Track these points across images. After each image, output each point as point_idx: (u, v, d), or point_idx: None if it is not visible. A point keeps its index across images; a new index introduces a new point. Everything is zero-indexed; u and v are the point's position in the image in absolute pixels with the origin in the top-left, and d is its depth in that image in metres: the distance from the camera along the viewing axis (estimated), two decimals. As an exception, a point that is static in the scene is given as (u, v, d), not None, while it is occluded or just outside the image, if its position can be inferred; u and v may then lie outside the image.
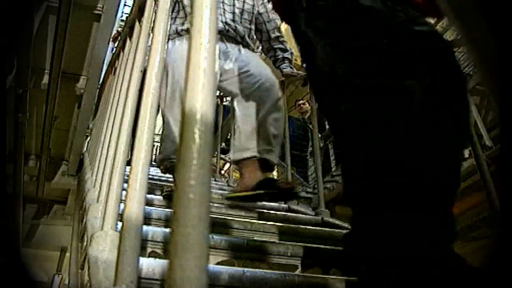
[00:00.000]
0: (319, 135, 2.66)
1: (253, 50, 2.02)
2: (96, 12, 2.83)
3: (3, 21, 2.11)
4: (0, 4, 2.08)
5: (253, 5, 2.00)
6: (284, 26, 2.07)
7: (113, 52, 2.75)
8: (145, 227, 1.06)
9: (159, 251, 1.08)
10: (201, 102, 0.38)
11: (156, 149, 2.92)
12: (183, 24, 1.89)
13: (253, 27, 2.01)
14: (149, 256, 0.96)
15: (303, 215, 1.85)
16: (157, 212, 1.42)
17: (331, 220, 1.80)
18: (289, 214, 1.85)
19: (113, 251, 0.68)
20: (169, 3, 0.77)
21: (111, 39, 3.35)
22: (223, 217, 1.55)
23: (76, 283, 2.53)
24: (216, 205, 1.79)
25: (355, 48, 0.79)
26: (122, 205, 0.65)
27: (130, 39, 1.13)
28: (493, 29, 0.30)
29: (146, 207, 0.99)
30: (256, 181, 1.71)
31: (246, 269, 0.87)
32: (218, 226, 1.38)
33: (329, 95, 0.85)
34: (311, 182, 4.14)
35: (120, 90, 1.04)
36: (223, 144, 3.93)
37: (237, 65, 1.86)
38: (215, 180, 2.87)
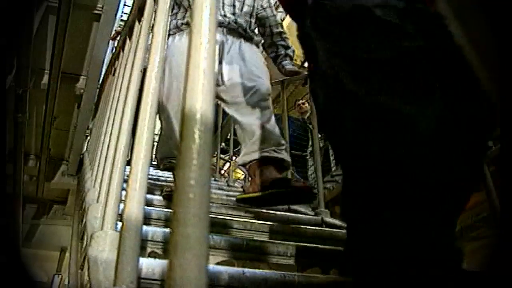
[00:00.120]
0: (319, 135, 2.66)
1: (256, 44, 1.97)
2: (96, 12, 2.84)
3: (3, 21, 2.11)
4: (0, 4, 2.08)
5: None
6: (286, 23, 2.05)
7: (113, 52, 2.76)
8: (145, 227, 1.06)
9: (159, 251, 1.08)
10: (201, 102, 0.38)
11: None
12: (184, 18, 1.86)
13: (253, 20, 1.97)
14: (149, 256, 0.96)
15: (303, 215, 1.85)
16: (157, 212, 1.42)
17: (331, 220, 1.80)
18: (289, 214, 1.85)
19: (113, 251, 0.68)
20: (169, 3, 0.77)
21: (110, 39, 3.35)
22: (223, 217, 1.55)
23: (76, 283, 2.53)
24: (216, 205, 1.78)
25: (360, 60, 0.77)
26: (122, 205, 0.65)
27: (130, 39, 1.13)
28: (493, 29, 0.30)
29: (146, 207, 0.99)
30: (271, 180, 1.62)
31: (245, 269, 0.87)
32: (218, 226, 1.38)
33: (329, 97, 0.84)
34: (311, 182, 4.14)
35: (120, 90, 1.04)
36: (223, 144, 3.93)
37: (234, 66, 1.81)
38: (215, 180, 2.87)
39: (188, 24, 1.80)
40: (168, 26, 1.09)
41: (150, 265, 0.78)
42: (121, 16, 5.03)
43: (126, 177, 0.68)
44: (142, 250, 0.82)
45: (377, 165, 0.74)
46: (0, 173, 3.18)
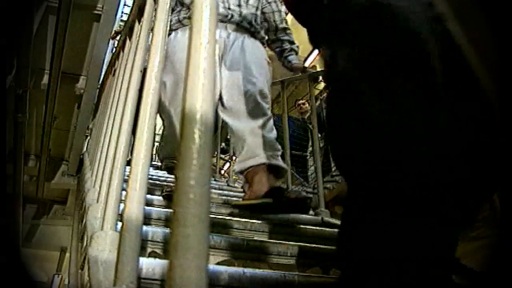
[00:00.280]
0: (319, 135, 2.66)
1: (261, 40, 1.91)
2: (96, 12, 2.84)
3: (3, 21, 2.11)
4: (0, 4, 2.08)
5: None
6: (290, 18, 2.00)
7: (113, 52, 2.76)
8: (145, 227, 1.06)
9: (159, 251, 1.08)
10: (201, 102, 0.38)
11: (156, 149, 2.92)
12: (187, 13, 1.82)
13: (259, 13, 1.91)
14: (149, 256, 0.96)
15: (303, 215, 1.85)
16: (157, 212, 1.42)
17: (331, 220, 1.80)
18: (289, 214, 1.84)
19: (113, 251, 0.68)
20: (169, 3, 0.77)
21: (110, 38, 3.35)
22: (223, 217, 1.55)
23: (76, 283, 2.53)
24: (216, 205, 1.78)
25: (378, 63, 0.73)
26: (122, 205, 0.65)
27: (130, 39, 1.13)
28: (493, 29, 0.30)
29: (146, 207, 0.99)
30: (266, 189, 1.61)
31: (246, 269, 0.87)
32: (218, 226, 1.38)
33: (346, 100, 0.80)
34: (311, 182, 4.14)
35: (120, 90, 1.04)
36: (223, 144, 3.93)
37: (234, 66, 1.76)
38: (215, 180, 2.87)
39: (190, 18, 1.75)
40: (169, 25, 1.08)
41: (150, 265, 0.79)
42: (121, 16, 5.04)
43: (126, 177, 0.69)
44: (142, 250, 0.82)
45: (377, 165, 0.74)
46: (0, 173, 3.19)
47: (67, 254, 5.17)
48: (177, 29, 1.83)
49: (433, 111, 0.71)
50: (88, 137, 3.41)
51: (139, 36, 0.93)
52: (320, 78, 2.31)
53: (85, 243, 1.03)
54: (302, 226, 1.60)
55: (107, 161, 0.95)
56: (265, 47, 1.97)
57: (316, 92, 3.91)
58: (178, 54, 1.74)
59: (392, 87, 0.72)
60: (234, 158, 3.44)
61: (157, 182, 2.21)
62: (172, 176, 1.92)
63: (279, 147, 1.75)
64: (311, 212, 1.93)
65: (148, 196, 1.55)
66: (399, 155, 0.73)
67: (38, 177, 4.33)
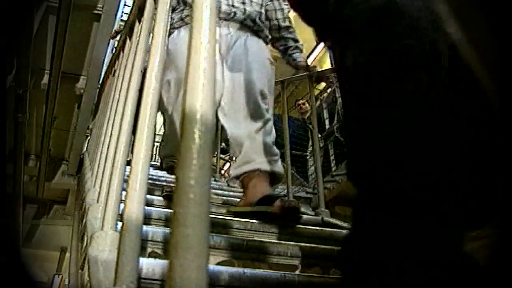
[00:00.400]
0: (319, 135, 2.66)
1: (264, 39, 1.88)
2: (96, 12, 2.84)
3: (3, 21, 2.11)
4: (0, 4, 2.08)
5: None
6: (292, 15, 1.97)
7: (113, 52, 2.76)
8: (145, 227, 1.06)
9: (159, 251, 1.08)
10: (201, 102, 0.38)
11: (156, 149, 2.93)
12: (189, 11, 1.80)
13: (263, 10, 1.87)
14: (149, 256, 0.96)
15: (303, 215, 1.85)
16: (157, 212, 1.42)
17: (331, 220, 1.80)
18: (289, 214, 1.84)
19: (113, 251, 0.68)
20: (169, 3, 0.77)
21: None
22: (223, 217, 1.55)
23: (76, 283, 2.53)
24: (216, 205, 1.78)
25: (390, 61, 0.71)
26: (122, 205, 0.65)
27: (130, 39, 1.13)
28: (493, 29, 0.30)
29: (146, 207, 0.99)
30: (260, 195, 1.58)
31: (246, 269, 0.87)
32: (218, 226, 1.38)
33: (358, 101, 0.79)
34: (311, 182, 4.15)
35: (120, 90, 1.04)
36: (223, 144, 3.93)
37: (236, 67, 1.73)
38: (215, 180, 2.87)
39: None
40: (171, 23, 1.06)
41: (150, 265, 0.79)
42: (121, 16, 5.03)
43: (126, 177, 0.69)
44: (142, 250, 0.82)
45: (377, 165, 0.74)
46: (0, 173, 3.19)
47: (67, 254, 5.17)
48: (179, 27, 1.80)
49: (435, 111, 0.71)
50: (88, 137, 3.41)
51: (139, 36, 0.93)
52: (320, 78, 2.31)
53: (85, 243, 1.03)
54: (302, 226, 1.60)
55: (107, 161, 0.95)
56: (267, 46, 1.94)
57: (316, 92, 3.91)
58: (181, 52, 1.71)
59: (401, 87, 0.71)
60: (234, 158, 3.45)
61: (157, 182, 2.21)
62: (172, 176, 1.92)
63: (277, 151, 1.72)
64: (311, 212, 1.93)
65: (148, 196, 1.55)
66: (398, 155, 0.73)
67: (38, 177, 4.33)
